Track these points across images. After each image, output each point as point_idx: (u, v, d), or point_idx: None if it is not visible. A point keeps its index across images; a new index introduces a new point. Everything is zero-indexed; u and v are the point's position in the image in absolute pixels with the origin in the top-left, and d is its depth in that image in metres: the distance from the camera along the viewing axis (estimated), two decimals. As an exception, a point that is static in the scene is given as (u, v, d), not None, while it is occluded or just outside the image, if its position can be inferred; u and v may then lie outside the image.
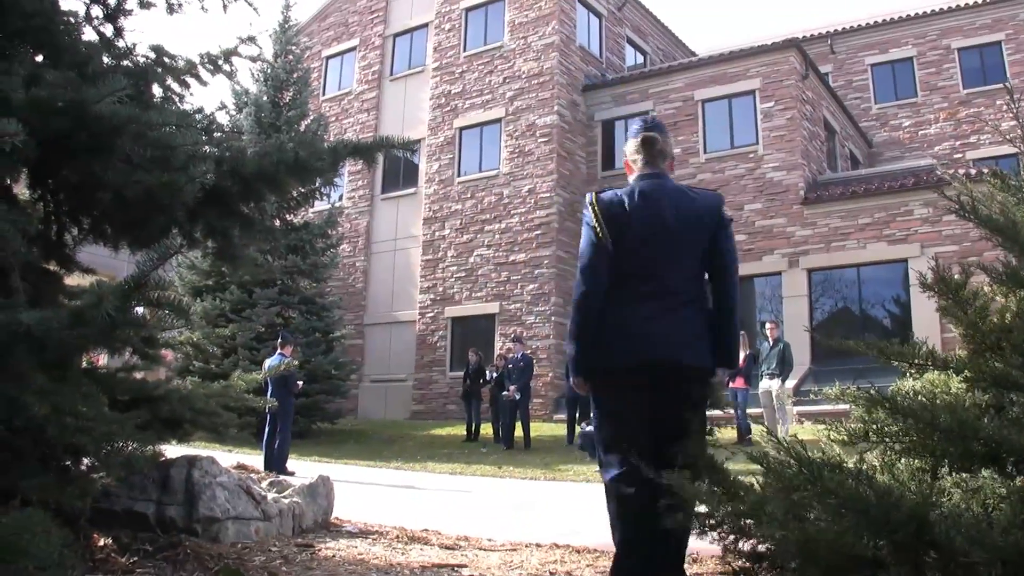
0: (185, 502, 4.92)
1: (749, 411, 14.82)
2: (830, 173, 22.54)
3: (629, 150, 3.94)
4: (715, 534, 3.18)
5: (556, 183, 22.59)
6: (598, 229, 3.68)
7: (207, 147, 4.46)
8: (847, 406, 3.32)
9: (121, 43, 4.70)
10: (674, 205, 3.71)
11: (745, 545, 3.24)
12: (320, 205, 22.15)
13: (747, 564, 3.31)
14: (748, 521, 2.94)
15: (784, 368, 14.93)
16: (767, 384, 14.91)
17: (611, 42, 26.03)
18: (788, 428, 13.81)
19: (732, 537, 3.16)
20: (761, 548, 3.19)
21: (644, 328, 3.62)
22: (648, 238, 3.68)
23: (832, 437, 3.35)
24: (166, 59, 4.70)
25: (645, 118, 4.11)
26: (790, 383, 15.53)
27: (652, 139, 3.88)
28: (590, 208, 3.74)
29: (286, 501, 5.72)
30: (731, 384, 14.07)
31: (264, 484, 6.13)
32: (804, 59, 21.85)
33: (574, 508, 8.91)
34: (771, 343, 15.12)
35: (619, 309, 3.67)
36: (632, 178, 3.90)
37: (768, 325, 15.57)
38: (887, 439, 3.17)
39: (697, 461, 3.30)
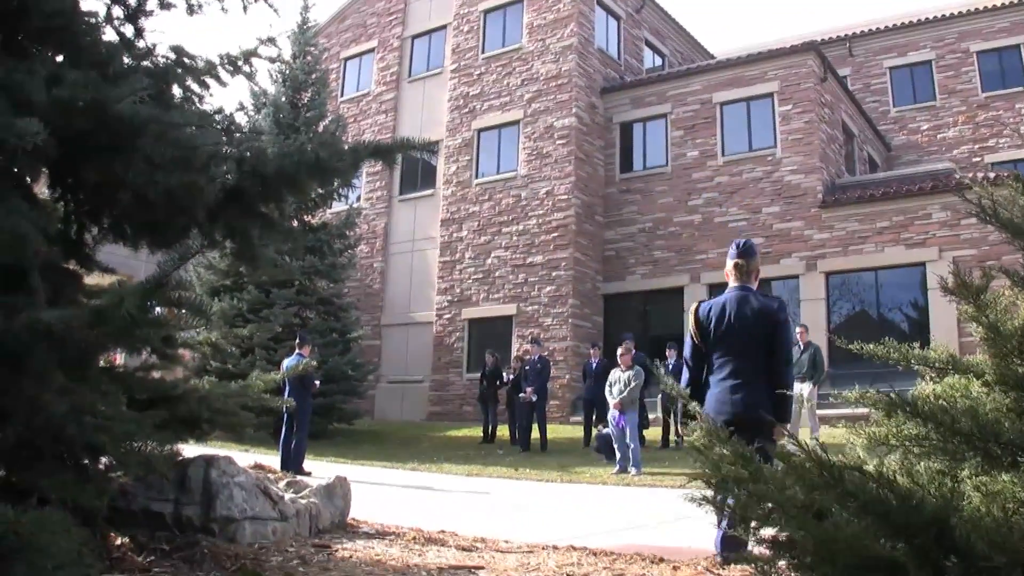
0: (202, 502, 4.94)
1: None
2: (848, 176, 22.44)
3: (727, 267, 5.45)
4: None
5: (574, 185, 22.55)
6: (694, 333, 5.32)
7: (227, 147, 4.46)
8: (865, 410, 3.31)
9: (141, 43, 4.71)
10: (744, 312, 5.19)
11: (767, 533, 3.24)
12: (338, 206, 22.29)
13: (768, 552, 3.30)
14: (770, 506, 2.93)
15: (816, 372, 14.93)
16: (799, 388, 14.84)
17: (629, 44, 25.99)
18: (818, 433, 13.85)
19: (755, 523, 3.15)
20: (782, 538, 3.18)
21: (725, 397, 5.11)
22: (724, 336, 5.21)
23: (853, 441, 3.34)
24: (186, 59, 4.71)
25: (739, 243, 5.51)
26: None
27: (741, 264, 5.36)
28: (691, 315, 5.36)
29: (303, 501, 5.73)
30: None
31: (281, 484, 6.14)
32: (822, 62, 21.73)
33: (591, 510, 8.91)
34: (802, 347, 15.05)
35: (713, 384, 5.21)
36: (728, 288, 5.38)
37: (798, 330, 15.19)
38: (907, 443, 3.15)
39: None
